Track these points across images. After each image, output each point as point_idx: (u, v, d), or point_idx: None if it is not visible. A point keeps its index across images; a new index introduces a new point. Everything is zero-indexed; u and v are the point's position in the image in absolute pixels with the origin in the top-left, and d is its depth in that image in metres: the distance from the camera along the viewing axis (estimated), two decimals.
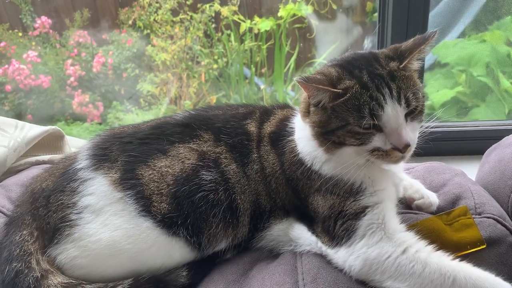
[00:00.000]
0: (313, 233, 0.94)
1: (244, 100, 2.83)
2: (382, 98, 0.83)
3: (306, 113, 0.92)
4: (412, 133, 0.85)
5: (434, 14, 2.38)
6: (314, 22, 2.71)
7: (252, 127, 1.01)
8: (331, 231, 0.89)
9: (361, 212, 0.88)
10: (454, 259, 0.83)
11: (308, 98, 0.89)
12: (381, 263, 0.83)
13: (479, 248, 0.84)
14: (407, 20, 1.42)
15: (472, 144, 1.51)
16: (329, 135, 0.87)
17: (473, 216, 0.93)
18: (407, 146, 0.83)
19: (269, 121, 1.02)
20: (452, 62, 2.42)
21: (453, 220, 0.93)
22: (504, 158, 1.06)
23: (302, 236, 0.96)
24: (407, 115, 0.85)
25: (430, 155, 1.57)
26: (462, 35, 2.40)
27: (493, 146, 1.16)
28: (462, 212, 0.93)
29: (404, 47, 0.91)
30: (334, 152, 0.89)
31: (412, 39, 0.92)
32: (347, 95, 0.84)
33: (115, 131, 1.01)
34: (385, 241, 0.85)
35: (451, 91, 2.39)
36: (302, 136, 0.95)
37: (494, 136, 1.23)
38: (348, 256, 0.86)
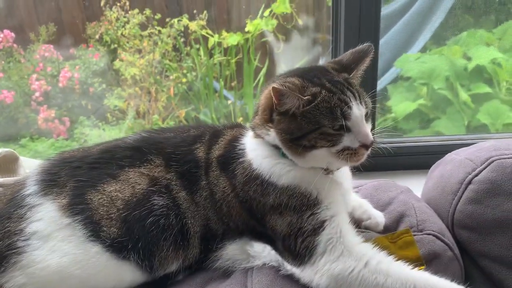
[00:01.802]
0: (276, 250, 0.95)
1: (214, 114, 2.84)
2: (349, 100, 0.89)
3: (268, 121, 0.94)
4: None
5: (396, 29, 2.46)
6: (280, 37, 2.76)
7: (200, 152, 1.01)
8: (292, 250, 0.91)
9: (319, 227, 0.89)
10: (413, 268, 0.87)
11: (275, 107, 0.91)
12: (345, 278, 0.86)
13: (419, 269, 0.87)
14: (358, 38, 1.48)
15: (422, 159, 1.56)
16: (299, 140, 0.90)
17: (415, 233, 0.97)
18: (372, 142, 0.90)
19: (218, 144, 1.02)
20: (414, 76, 2.49)
21: (396, 238, 0.96)
22: (444, 174, 1.11)
23: (264, 252, 0.97)
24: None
25: (383, 169, 1.63)
26: (423, 49, 2.48)
27: (437, 162, 1.21)
28: (404, 230, 0.97)
29: (347, 60, 0.99)
30: (304, 156, 0.91)
31: (350, 52, 1.01)
32: (317, 100, 0.88)
33: (65, 155, 1.00)
34: (346, 255, 0.87)
35: (413, 104, 2.46)
36: (256, 156, 0.97)
37: (445, 150, 1.27)
38: (314, 275, 0.88)
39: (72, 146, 2.72)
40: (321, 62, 2.60)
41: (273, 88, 0.86)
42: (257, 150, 0.97)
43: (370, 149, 0.91)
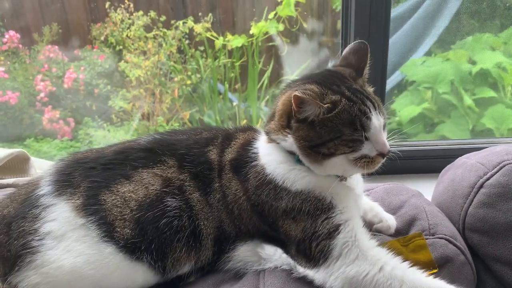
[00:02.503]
0: (287, 254, 0.95)
1: (218, 116, 2.84)
2: (368, 111, 0.89)
3: (286, 128, 0.94)
4: None
5: (401, 33, 2.47)
6: (285, 39, 2.76)
7: (213, 154, 1.01)
8: (307, 253, 0.91)
9: (334, 230, 0.89)
10: (428, 276, 0.87)
11: (294, 114, 0.90)
12: (360, 281, 0.86)
13: (431, 272, 0.88)
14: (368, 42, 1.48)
15: (431, 163, 1.57)
16: (318, 147, 0.90)
17: (427, 237, 0.97)
18: (389, 151, 0.91)
19: (230, 147, 1.02)
20: (419, 80, 2.49)
21: (408, 242, 0.96)
22: (456, 178, 1.11)
23: (275, 255, 0.97)
24: None
25: (391, 173, 1.62)
26: (428, 53, 2.49)
27: (448, 166, 1.21)
28: (416, 234, 0.97)
29: (356, 62, 1.00)
30: (322, 163, 0.91)
31: (349, 52, 1.03)
32: (337, 109, 0.88)
33: (78, 156, 1.00)
34: (361, 259, 0.87)
35: (417, 108, 2.46)
36: (270, 161, 0.97)
37: (453, 154, 1.27)
38: (328, 277, 0.88)
39: (76, 147, 2.72)
40: (330, 65, 2.60)
41: (295, 96, 0.86)
42: (271, 155, 0.97)
43: (386, 157, 0.92)
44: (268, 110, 2.84)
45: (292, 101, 0.87)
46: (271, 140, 0.99)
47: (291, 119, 0.92)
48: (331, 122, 0.88)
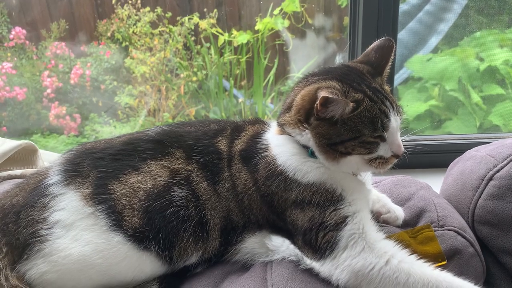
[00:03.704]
0: (294, 245, 0.95)
1: (223, 112, 2.84)
2: (388, 111, 0.90)
3: (303, 122, 0.93)
4: None
5: (407, 30, 2.45)
6: (290, 35, 2.76)
7: (222, 145, 1.01)
8: (313, 244, 0.90)
9: (341, 222, 0.89)
10: (435, 268, 0.86)
11: (316, 112, 0.89)
12: (366, 274, 0.85)
13: (440, 264, 0.87)
14: (376, 37, 1.48)
15: (438, 157, 1.55)
16: (336, 145, 0.90)
17: (436, 228, 0.97)
18: (403, 153, 0.92)
19: (240, 138, 1.02)
20: (426, 76, 2.48)
21: (417, 233, 0.96)
22: (465, 170, 1.10)
23: (283, 247, 0.97)
24: None
25: (398, 167, 1.61)
26: (435, 50, 2.47)
27: (456, 159, 1.20)
28: (425, 226, 0.96)
29: (375, 60, 0.99)
30: (339, 161, 0.92)
31: (373, 49, 1.01)
32: (360, 109, 0.88)
33: (87, 147, 1.01)
34: (368, 252, 0.87)
35: (424, 104, 2.45)
36: (281, 152, 0.97)
37: (460, 149, 1.27)
38: (334, 269, 0.88)
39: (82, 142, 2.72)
40: (337, 58, 2.60)
41: (323, 97, 0.84)
42: (283, 146, 0.97)
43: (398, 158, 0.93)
44: (273, 107, 2.84)
45: (318, 101, 0.86)
46: (283, 132, 0.99)
47: (311, 116, 0.91)
48: (352, 121, 0.88)
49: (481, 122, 2.42)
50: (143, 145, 0.99)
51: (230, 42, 2.78)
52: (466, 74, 2.46)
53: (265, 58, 2.80)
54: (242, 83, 2.87)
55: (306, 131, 0.93)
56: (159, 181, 0.94)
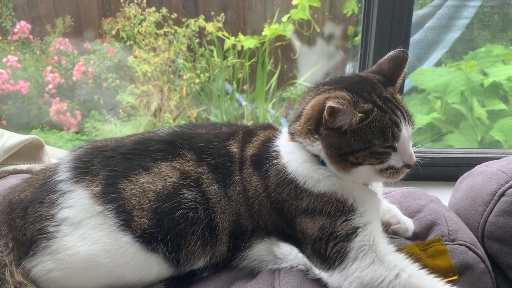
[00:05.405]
0: (303, 253, 0.94)
1: (224, 116, 2.84)
2: (399, 121, 0.89)
3: (313, 133, 0.93)
4: None
5: (412, 42, 2.46)
6: (297, 43, 2.76)
7: (234, 148, 1.00)
8: (322, 254, 0.89)
9: (352, 233, 0.88)
10: (445, 284, 0.85)
11: (325, 122, 0.89)
12: (375, 287, 0.85)
13: (450, 279, 0.86)
14: (388, 48, 1.48)
15: (447, 171, 1.55)
16: (346, 156, 0.89)
17: (446, 243, 0.96)
18: (415, 163, 0.91)
19: (252, 143, 1.02)
20: (429, 89, 2.49)
21: (427, 246, 0.95)
22: (475, 185, 1.10)
23: (291, 255, 0.96)
24: None
25: (407, 179, 1.61)
26: (439, 63, 2.48)
27: (466, 173, 1.20)
28: (436, 239, 0.96)
29: (388, 70, 0.98)
30: (350, 171, 0.91)
31: (386, 60, 1.00)
32: (369, 119, 0.87)
33: (97, 144, 1.00)
34: (377, 264, 0.86)
35: (427, 117, 2.45)
36: (292, 160, 0.96)
37: (468, 163, 1.27)
38: (343, 281, 0.87)
39: (82, 140, 2.71)
40: (348, 68, 2.60)
41: (329, 107, 0.84)
42: (294, 154, 0.96)
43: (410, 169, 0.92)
44: (274, 112, 2.84)
45: (325, 111, 0.86)
46: (294, 140, 0.98)
47: (320, 125, 0.91)
48: (362, 132, 0.87)
49: (482, 137, 2.43)
50: (154, 146, 0.98)
51: (234, 46, 2.78)
52: (469, 88, 2.47)
53: (269, 63, 2.80)
54: (245, 87, 2.87)
55: (317, 142, 0.93)
56: (169, 182, 0.93)
